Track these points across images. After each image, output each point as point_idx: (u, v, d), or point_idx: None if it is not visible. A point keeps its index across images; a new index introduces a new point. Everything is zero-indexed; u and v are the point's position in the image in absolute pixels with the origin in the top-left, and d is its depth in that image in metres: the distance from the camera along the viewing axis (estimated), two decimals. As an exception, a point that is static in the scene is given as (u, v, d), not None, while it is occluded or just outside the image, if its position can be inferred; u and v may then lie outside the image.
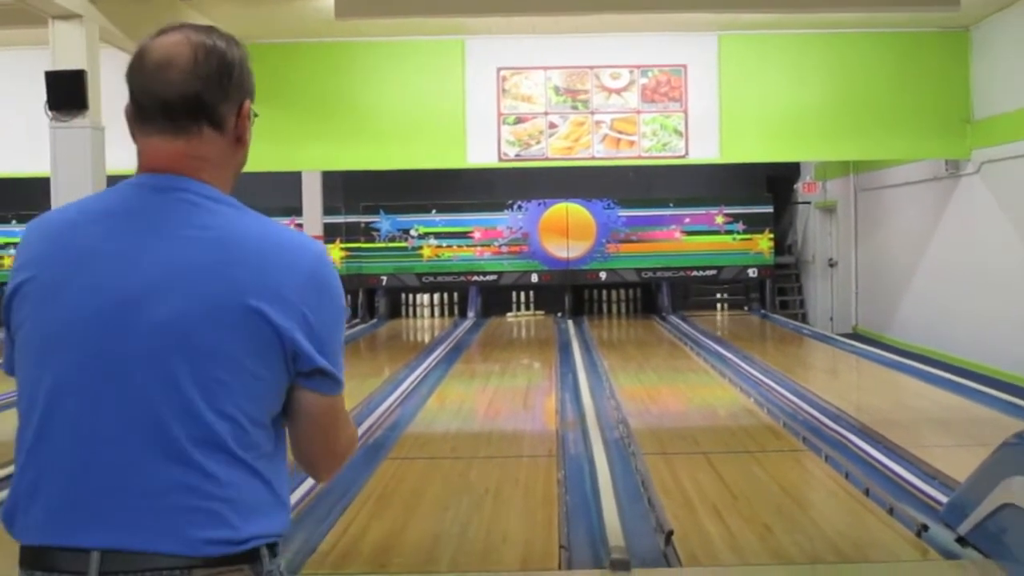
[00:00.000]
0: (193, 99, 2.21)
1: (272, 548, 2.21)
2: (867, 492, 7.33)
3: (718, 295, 22.82)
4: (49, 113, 9.33)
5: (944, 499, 6.97)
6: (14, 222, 22.06)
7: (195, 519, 2.08)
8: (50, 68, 9.32)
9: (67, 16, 9.29)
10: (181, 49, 2.22)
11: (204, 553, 2.08)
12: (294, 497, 7.47)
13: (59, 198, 9.38)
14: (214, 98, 2.24)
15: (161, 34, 2.26)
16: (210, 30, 2.32)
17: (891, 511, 6.81)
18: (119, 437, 2.09)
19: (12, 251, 21.78)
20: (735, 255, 21.93)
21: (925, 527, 6.35)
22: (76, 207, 2.26)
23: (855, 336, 18.39)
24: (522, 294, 22.67)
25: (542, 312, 22.43)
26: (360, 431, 10.02)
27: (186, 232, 2.15)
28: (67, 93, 9.27)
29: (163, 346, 2.09)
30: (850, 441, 9.08)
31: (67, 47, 9.33)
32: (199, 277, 2.11)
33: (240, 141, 2.31)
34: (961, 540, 6.16)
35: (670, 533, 6.27)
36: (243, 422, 2.14)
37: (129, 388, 2.09)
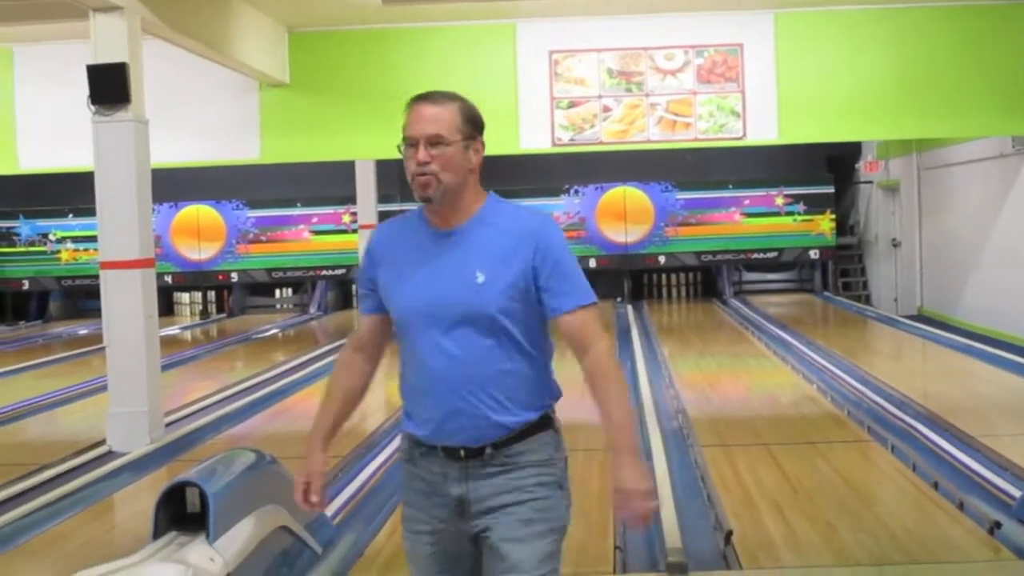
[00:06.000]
0: None
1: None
2: (936, 486, 7.06)
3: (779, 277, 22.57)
4: (91, 107, 9.18)
5: (1017, 493, 6.70)
6: (71, 216, 22.11)
7: None
8: (91, 62, 9.18)
9: (108, 8, 9.09)
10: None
11: None
12: (340, 499, 7.31)
13: (103, 192, 9.25)
14: None
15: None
16: None
17: (961, 506, 6.54)
18: None
19: (70, 244, 21.95)
20: (796, 237, 21.57)
21: (998, 524, 6.08)
22: None
23: (920, 318, 18.01)
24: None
25: None
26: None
27: None
28: (109, 86, 9.09)
29: None
30: (917, 431, 8.79)
31: (108, 40, 9.15)
32: None
33: None
34: (1036, 538, 5.89)
35: (729, 533, 6.04)
36: None
37: None
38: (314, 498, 3.40)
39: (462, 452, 3.24)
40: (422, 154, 3.20)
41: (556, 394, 3.39)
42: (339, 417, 3.52)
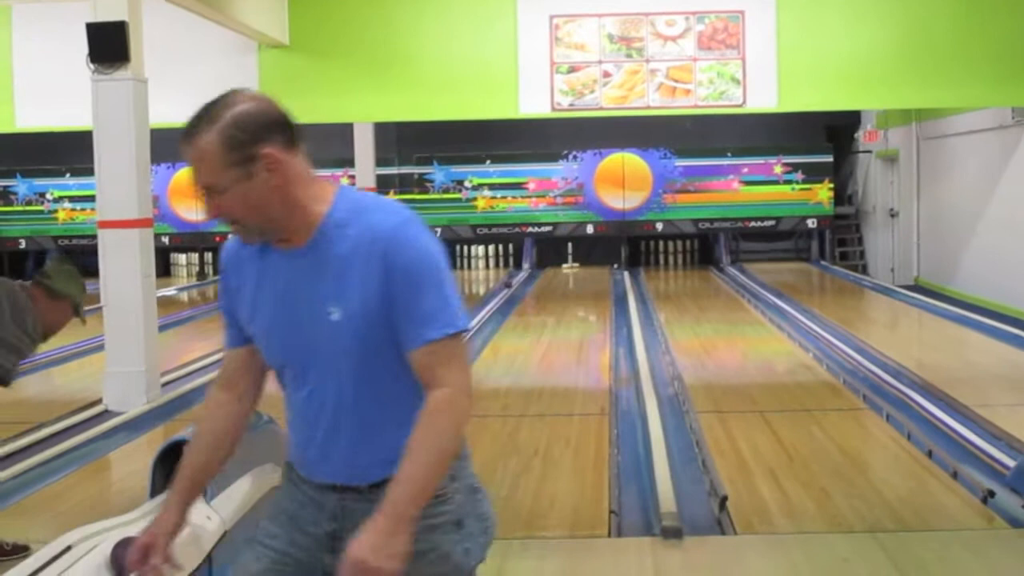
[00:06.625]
0: None
1: None
2: (930, 454, 7.08)
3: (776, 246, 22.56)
4: (90, 66, 9.15)
5: (1010, 462, 6.72)
6: (68, 175, 22.06)
7: None
8: (91, 20, 9.14)
9: (108, -34, 9.10)
10: None
11: None
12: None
13: (102, 152, 9.23)
14: None
15: None
16: None
17: (955, 475, 6.56)
18: None
19: (67, 204, 21.91)
20: (794, 205, 21.57)
21: (991, 493, 6.10)
22: None
23: (917, 288, 18.01)
24: (569, 245, 22.32)
25: (576, 264, 22.15)
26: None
27: None
28: (108, 45, 9.05)
29: None
30: (912, 399, 8.81)
31: (108, -2, 9.16)
32: None
33: None
34: (1029, 507, 5.92)
35: (724, 499, 6.06)
36: None
37: None
38: (155, 560, 2.61)
39: (336, 486, 2.63)
40: (209, 208, 2.63)
41: None
42: (202, 471, 2.83)
